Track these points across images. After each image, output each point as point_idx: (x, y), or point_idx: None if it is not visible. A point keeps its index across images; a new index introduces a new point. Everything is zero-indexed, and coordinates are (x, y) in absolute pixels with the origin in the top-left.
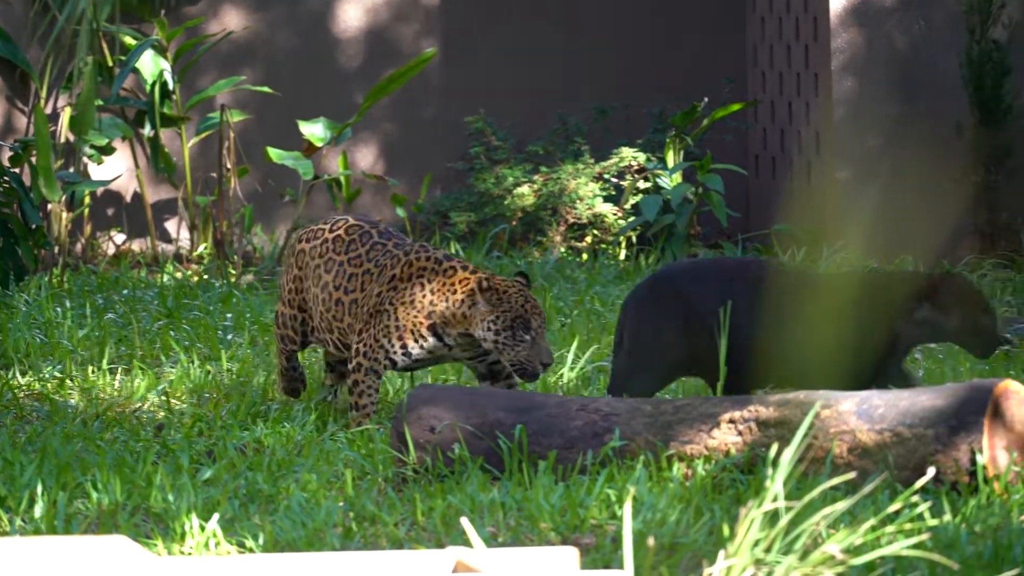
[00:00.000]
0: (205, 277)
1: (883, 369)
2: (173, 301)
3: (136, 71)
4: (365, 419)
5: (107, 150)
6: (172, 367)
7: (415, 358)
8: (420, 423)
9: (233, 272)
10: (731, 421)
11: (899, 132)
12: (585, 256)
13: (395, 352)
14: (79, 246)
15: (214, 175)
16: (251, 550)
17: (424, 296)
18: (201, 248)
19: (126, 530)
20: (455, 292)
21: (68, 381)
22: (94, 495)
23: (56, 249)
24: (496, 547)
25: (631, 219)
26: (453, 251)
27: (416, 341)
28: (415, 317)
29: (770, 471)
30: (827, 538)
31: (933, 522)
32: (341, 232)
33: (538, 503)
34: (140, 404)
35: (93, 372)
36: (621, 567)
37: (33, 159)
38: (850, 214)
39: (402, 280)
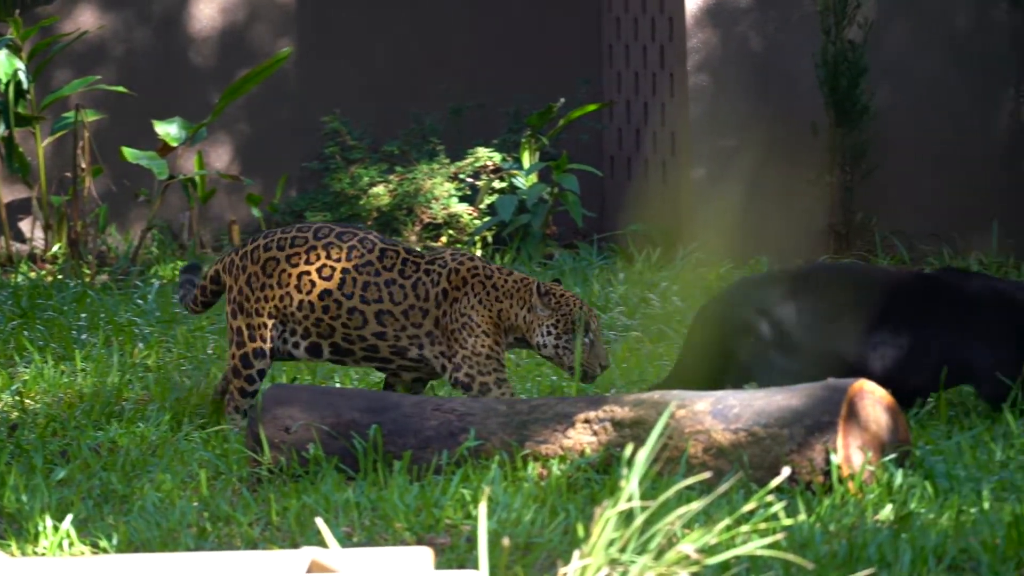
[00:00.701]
0: (59, 277)
1: None
2: (27, 301)
3: None
4: None
5: None
6: (26, 367)
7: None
8: (275, 423)
9: (87, 272)
10: (586, 421)
11: (754, 132)
12: None
13: (499, 354)
14: None
15: (69, 175)
16: (105, 550)
17: (492, 301)
18: (55, 248)
19: None
20: (519, 293)
21: None
22: None
23: None
24: (351, 547)
25: (486, 219)
26: None
27: (499, 343)
28: (491, 321)
29: (625, 471)
30: (682, 538)
31: (788, 522)
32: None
33: (393, 503)
34: None
35: None
36: (476, 567)
37: None
38: (705, 214)
39: (458, 290)
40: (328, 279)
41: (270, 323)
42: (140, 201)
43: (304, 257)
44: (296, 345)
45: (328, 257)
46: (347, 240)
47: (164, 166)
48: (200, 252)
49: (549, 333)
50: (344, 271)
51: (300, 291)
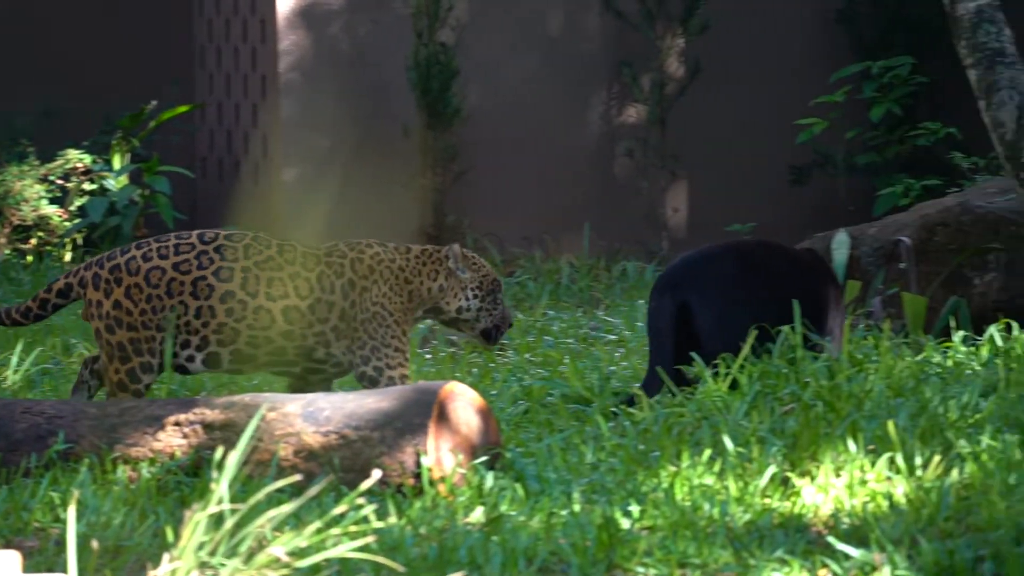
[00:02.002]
0: None
1: None
2: None
3: None
4: None
5: None
6: None
7: None
8: None
9: None
10: (176, 424)
11: (347, 134)
12: (30, 258)
13: (407, 345)
14: None
15: None
16: None
17: (401, 284)
18: None
19: None
20: (427, 267)
21: None
22: None
23: None
24: None
25: (77, 221)
26: None
27: (407, 333)
28: (403, 307)
29: (215, 474)
30: (272, 540)
31: (379, 524)
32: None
33: None
34: None
35: None
36: (65, 571)
37: None
38: (298, 215)
39: (365, 279)
40: (228, 280)
41: (159, 336)
42: None
43: (196, 263)
44: (191, 358)
45: (223, 259)
46: (240, 240)
47: None
48: None
49: (474, 296)
50: (244, 269)
51: (197, 297)
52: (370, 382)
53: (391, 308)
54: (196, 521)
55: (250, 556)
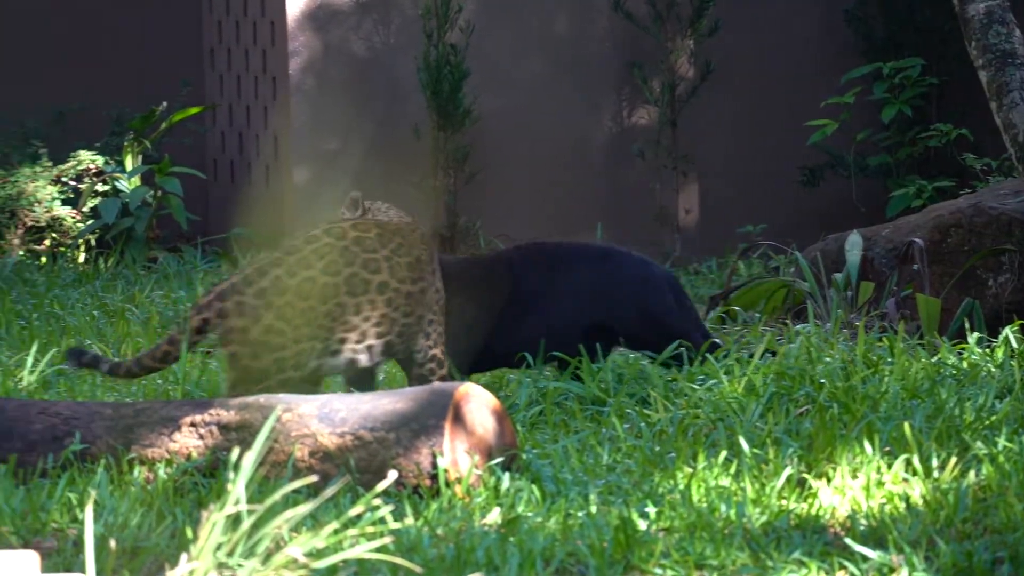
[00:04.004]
0: None
1: None
2: None
3: None
4: None
5: None
6: None
7: None
8: None
9: None
10: (192, 424)
11: (358, 135)
12: (44, 259)
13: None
14: None
15: None
16: None
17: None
18: None
19: None
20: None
21: None
22: None
23: None
24: None
25: (90, 222)
26: None
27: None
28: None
29: (232, 474)
30: (289, 541)
31: (395, 525)
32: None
33: None
34: None
35: None
36: (83, 571)
37: None
38: (309, 217)
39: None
40: (377, 271)
41: (307, 347)
42: None
43: (342, 260)
44: (353, 360)
45: (365, 251)
46: (367, 230)
47: None
48: None
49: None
50: (387, 258)
51: (354, 295)
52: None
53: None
54: (213, 522)
55: (268, 557)
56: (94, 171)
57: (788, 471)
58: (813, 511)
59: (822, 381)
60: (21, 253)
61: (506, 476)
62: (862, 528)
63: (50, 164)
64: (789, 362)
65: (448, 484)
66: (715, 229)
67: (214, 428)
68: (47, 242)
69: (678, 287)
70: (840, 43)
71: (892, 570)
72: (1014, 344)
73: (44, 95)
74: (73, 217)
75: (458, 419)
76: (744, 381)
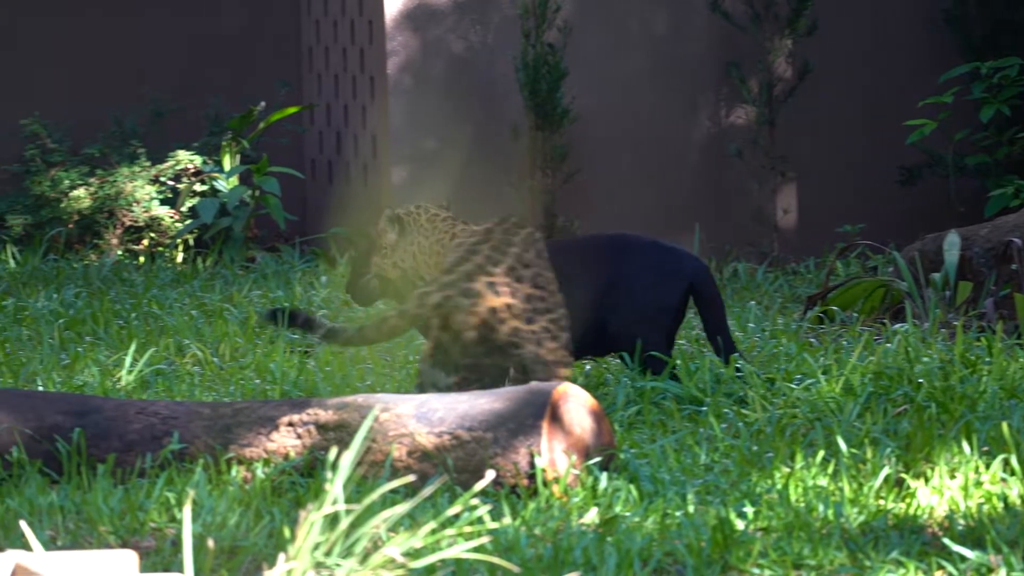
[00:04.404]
0: None
1: None
2: None
3: None
4: None
5: None
6: None
7: None
8: None
9: None
10: (290, 424)
11: (456, 135)
12: (142, 259)
13: None
14: None
15: None
16: None
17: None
18: None
19: None
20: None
21: None
22: None
23: None
24: (55, 550)
25: (188, 222)
26: (8, 255)
27: None
28: None
29: (329, 474)
30: (387, 541)
31: (493, 525)
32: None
33: (97, 506)
34: None
35: None
36: (181, 570)
37: None
38: None
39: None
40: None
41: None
42: None
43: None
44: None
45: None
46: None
47: None
48: None
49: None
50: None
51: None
52: None
53: None
54: (311, 521)
55: (365, 556)
56: (192, 171)
57: (886, 471)
58: (911, 511)
59: (920, 381)
60: (120, 253)
61: (604, 476)
62: (960, 528)
63: (148, 164)
64: (887, 362)
65: (546, 484)
66: (813, 229)
67: (312, 428)
68: (145, 242)
69: (711, 280)
70: (938, 43)
71: (990, 570)
72: None
73: (142, 94)
74: (171, 217)
75: (556, 419)
76: (842, 381)
